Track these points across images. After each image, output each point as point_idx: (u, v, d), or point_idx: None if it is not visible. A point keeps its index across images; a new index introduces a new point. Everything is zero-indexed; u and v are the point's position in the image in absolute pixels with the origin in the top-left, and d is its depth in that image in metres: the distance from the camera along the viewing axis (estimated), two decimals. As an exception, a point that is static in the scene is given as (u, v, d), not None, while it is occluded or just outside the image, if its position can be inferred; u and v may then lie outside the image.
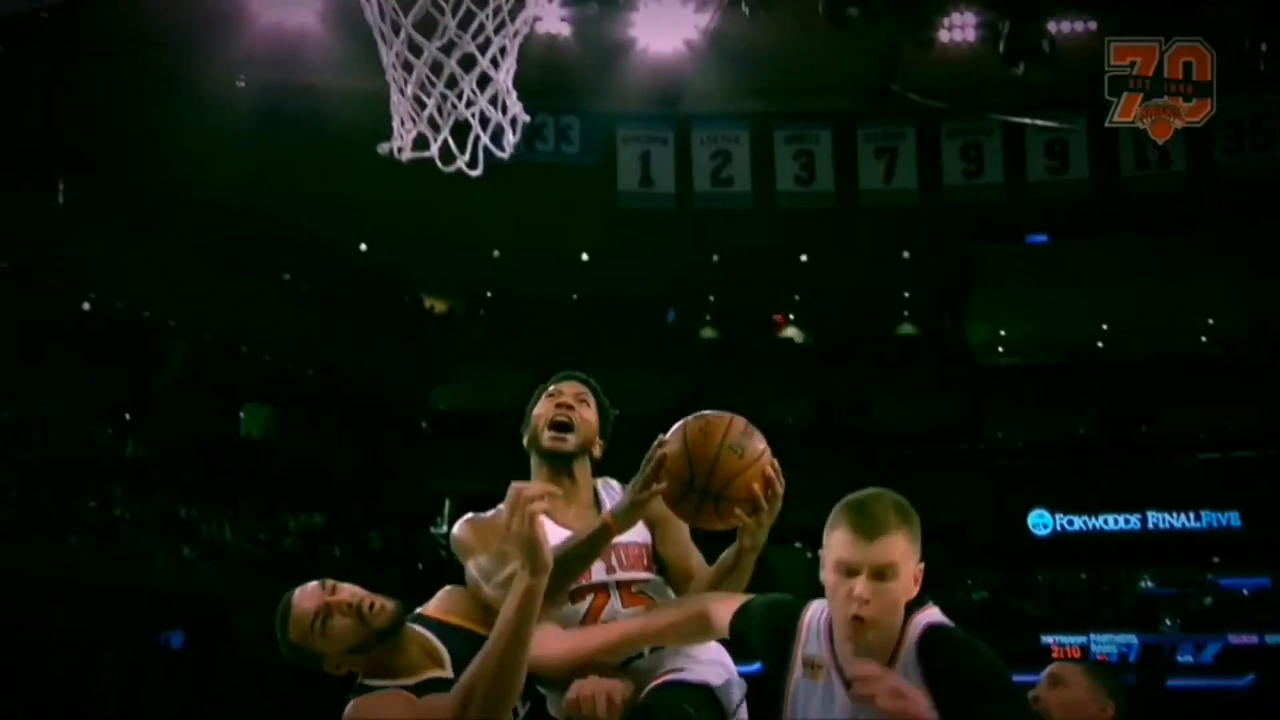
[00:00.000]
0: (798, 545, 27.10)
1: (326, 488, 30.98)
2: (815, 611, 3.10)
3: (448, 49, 4.55)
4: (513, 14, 4.54)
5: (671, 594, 3.62)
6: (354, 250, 33.14)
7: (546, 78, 21.75)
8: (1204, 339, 35.38)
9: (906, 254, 33.33)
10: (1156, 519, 32.08)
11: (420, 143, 4.67)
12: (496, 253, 33.14)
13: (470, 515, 3.72)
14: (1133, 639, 29.17)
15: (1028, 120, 24.86)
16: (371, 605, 3.30)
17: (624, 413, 4.11)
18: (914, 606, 2.94)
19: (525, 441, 3.81)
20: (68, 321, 28.55)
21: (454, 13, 4.48)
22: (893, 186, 26.59)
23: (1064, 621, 29.84)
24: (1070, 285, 32.72)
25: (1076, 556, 32.18)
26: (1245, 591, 30.91)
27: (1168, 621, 29.95)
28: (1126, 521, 32.30)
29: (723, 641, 3.45)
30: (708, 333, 38.15)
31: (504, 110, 4.63)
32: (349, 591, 3.35)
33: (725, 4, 18.34)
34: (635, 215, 27.52)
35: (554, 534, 3.41)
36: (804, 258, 33.72)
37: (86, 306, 29.57)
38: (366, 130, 5.75)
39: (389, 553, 30.15)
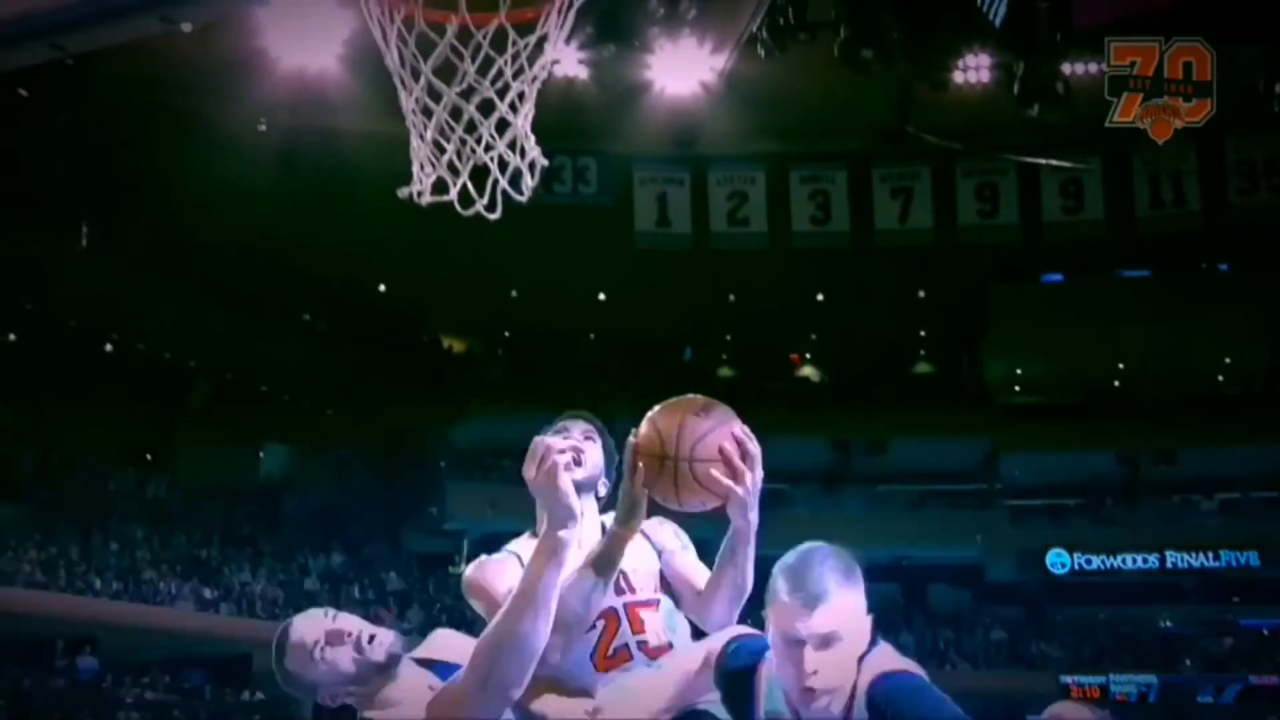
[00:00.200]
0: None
1: (346, 527, 31.04)
2: (772, 665, 2.93)
3: (467, 94, 4.59)
4: (531, 59, 4.58)
5: (681, 618, 3.65)
6: (373, 291, 33.28)
7: (564, 120, 21.92)
8: (1221, 378, 35.13)
9: (922, 293, 33.36)
10: (1175, 559, 31.98)
11: (440, 187, 4.70)
12: (514, 293, 33.27)
13: (482, 558, 3.71)
14: (1153, 679, 28.97)
15: (1042, 160, 24.85)
16: (371, 638, 3.28)
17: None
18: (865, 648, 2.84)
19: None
20: (90, 363, 28.73)
21: (473, 58, 4.53)
22: (908, 226, 26.68)
23: (1083, 661, 29.69)
24: (1087, 324, 32.50)
25: (1095, 596, 32.03)
26: (1265, 632, 30.66)
27: (1188, 662, 29.77)
28: (1145, 561, 32.17)
29: None
30: (725, 372, 38.07)
31: (522, 154, 4.66)
32: (349, 622, 3.33)
33: (741, 46, 18.38)
34: (652, 255, 27.66)
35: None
36: (820, 297, 33.78)
37: (109, 348, 29.77)
38: (386, 173, 5.79)
39: (408, 592, 30.19)
